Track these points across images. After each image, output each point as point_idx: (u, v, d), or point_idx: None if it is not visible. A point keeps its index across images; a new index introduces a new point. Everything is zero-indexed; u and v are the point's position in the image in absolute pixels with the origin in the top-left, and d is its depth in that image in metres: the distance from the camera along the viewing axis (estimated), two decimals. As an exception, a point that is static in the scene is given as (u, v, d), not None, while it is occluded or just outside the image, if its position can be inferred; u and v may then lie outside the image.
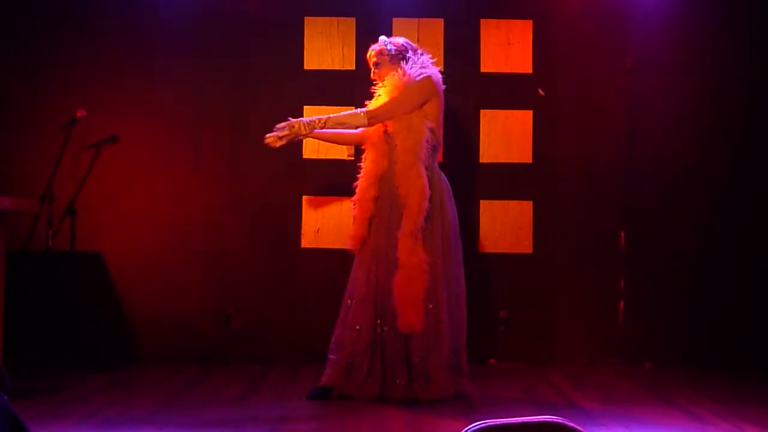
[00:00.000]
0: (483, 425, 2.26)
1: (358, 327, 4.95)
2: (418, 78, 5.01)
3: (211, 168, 6.31)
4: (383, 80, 5.13)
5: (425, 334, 4.86)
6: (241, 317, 6.23)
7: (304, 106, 6.19)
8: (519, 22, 6.34)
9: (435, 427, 4.34)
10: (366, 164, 5.13)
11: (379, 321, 4.94)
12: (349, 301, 5.04)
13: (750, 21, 6.31)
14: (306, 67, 6.30)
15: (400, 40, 5.19)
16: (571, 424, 2.29)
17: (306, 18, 6.33)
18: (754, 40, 6.31)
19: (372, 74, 5.23)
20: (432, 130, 5.00)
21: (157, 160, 6.28)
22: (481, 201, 6.27)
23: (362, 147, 5.23)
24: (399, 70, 5.06)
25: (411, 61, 5.10)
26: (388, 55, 5.12)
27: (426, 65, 5.11)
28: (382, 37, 5.21)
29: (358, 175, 5.15)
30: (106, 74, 6.26)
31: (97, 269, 6.19)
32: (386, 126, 5.04)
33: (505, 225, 6.29)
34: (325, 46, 6.31)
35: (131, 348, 6.19)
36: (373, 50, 5.19)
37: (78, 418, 4.40)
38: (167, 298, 6.22)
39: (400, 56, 5.11)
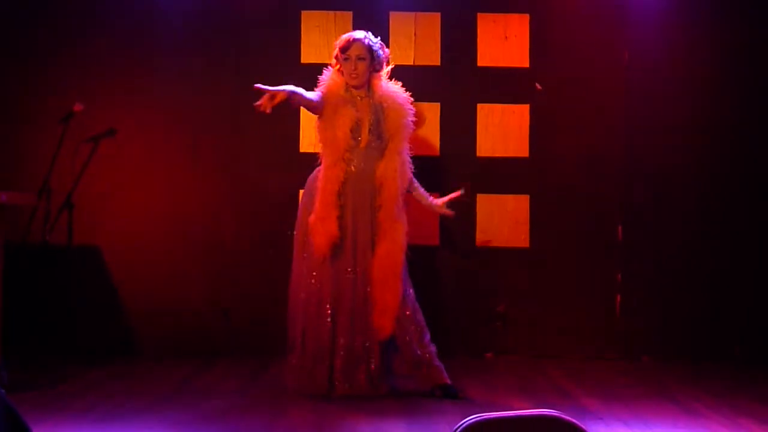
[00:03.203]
0: (479, 418, 2.27)
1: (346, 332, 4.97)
2: (412, 118, 5.02)
3: (209, 161, 6.31)
4: (360, 77, 4.93)
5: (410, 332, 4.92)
6: (238, 312, 6.23)
7: (302, 100, 6.18)
8: (516, 16, 6.33)
9: (432, 420, 4.36)
10: (332, 171, 4.94)
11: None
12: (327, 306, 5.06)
13: (749, 17, 6.31)
14: (303, 60, 6.29)
15: (386, 52, 5.06)
16: (568, 418, 2.29)
17: (303, 12, 6.32)
18: (754, 37, 6.30)
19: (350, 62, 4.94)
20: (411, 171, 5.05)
21: (154, 154, 6.28)
22: (478, 195, 6.27)
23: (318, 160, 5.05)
24: (398, 95, 5.01)
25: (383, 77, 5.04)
26: (376, 60, 4.96)
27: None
28: (377, 40, 5.02)
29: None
30: (103, 68, 6.24)
31: (94, 263, 6.18)
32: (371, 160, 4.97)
33: (502, 219, 6.29)
34: (322, 40, 6.30)
35: (130, 341, 6.19)
36: (365, 44, 4.94)
37: (77, 411, 4.41)
38: (165, 292, 6.21)
39: (379, 66, 5.00)
